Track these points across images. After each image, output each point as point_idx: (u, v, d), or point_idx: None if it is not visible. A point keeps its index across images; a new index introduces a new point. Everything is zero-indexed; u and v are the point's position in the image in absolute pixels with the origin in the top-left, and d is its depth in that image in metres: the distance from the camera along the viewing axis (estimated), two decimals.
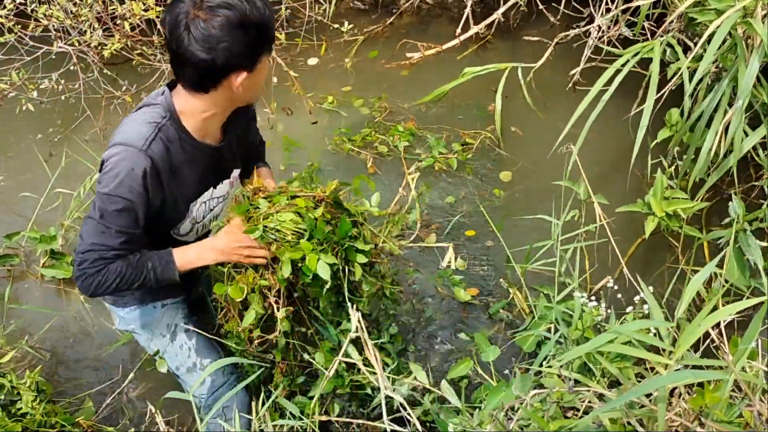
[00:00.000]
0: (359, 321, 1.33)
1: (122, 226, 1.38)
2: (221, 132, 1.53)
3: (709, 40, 1.94)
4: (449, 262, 2.28)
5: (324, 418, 1.56)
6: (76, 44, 2.69)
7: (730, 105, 2.00)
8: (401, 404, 1.35)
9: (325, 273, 1.41)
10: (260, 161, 1.79)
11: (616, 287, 1.87)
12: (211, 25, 1.29)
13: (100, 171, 1.41)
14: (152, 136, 1.38)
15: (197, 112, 1.43)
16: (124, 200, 1.36)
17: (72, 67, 2.70)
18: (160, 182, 1.40)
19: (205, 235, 1.64)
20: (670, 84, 2.19)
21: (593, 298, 1.80)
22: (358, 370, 1.48)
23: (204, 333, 1.68)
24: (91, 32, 2.66)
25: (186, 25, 1.30)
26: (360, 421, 1.61)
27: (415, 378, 1.54)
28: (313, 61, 3.02)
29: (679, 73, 2.10)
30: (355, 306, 1.37)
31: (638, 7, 2.48)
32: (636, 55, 2.15)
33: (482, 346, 1.79)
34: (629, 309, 1.73)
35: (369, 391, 1.64)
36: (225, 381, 1.69)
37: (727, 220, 1.92)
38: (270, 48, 1.43)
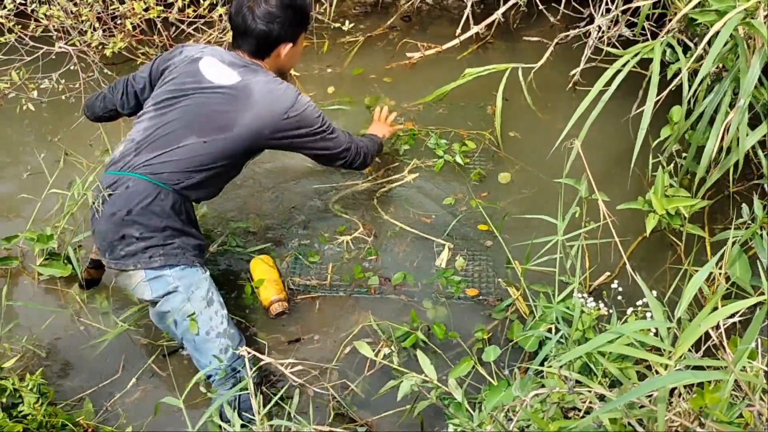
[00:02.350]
0: None
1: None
2: None
3: (709, 42, 1.93)
4: (444, 261, 2.28)
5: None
6: (77, 44, 2.69)
7: (731, 105, 2.00)
8: None
9: None
10: None
11: (619, 288, 1.87)
12: (269, 5, 1.81)
13: (284, 117, 1.86)
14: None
15: None
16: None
17: (72, 67, 2.70)
18: None
19: None
20: (671, 86, 2.19)
21: (593, 297, 1.79)
22: None
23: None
24: (91, 32, 2.66)
25: (249, 6, 1.81)
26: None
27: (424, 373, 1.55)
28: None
29: (680, 75, 2.10)
30: None
31: (638, 7, 2.48)
32: (636, 55, 2.14)
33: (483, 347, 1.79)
34: (630, 309, 1.72)
35: None
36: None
37: (740, 220, 1.91)
38: (306, 27, 1.95)
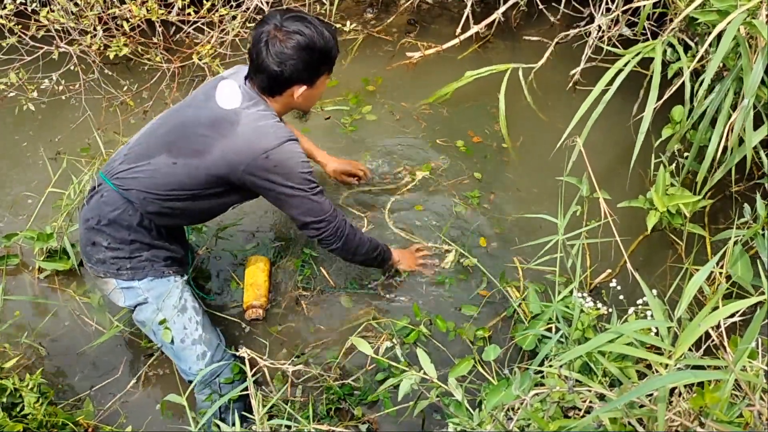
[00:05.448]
0: None
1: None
2: None
3: (711, 43, 1.93)
4: (449, 263, 2.28)
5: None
6: (80, 44, 2.68)
7: (732, 104, 1.99)
8: None
9: None
10: None
11: (619, 287, 1.87)
12: (285, 45, 1.65)
13: (256, 166, 1.70)
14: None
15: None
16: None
17: (72, 68, 2.70)
18: None
19: None
20: (673, 87, 2.18)
21: (593, 296, 1.79)
22: None
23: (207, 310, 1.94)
24: (92, 35, 2.65)
25: (266, 42, 1.65)
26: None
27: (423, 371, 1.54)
28: None
29: (682, 76, 2.09)
30: None
31: (639, 7, 2.47)
32: (637, 55, 2.14)
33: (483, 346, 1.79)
34: (631, 308, 1.72)
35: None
36: (222, 356, 1.89)
37: (742, 220, 1.91)
38: (329, 69, 1.78)
